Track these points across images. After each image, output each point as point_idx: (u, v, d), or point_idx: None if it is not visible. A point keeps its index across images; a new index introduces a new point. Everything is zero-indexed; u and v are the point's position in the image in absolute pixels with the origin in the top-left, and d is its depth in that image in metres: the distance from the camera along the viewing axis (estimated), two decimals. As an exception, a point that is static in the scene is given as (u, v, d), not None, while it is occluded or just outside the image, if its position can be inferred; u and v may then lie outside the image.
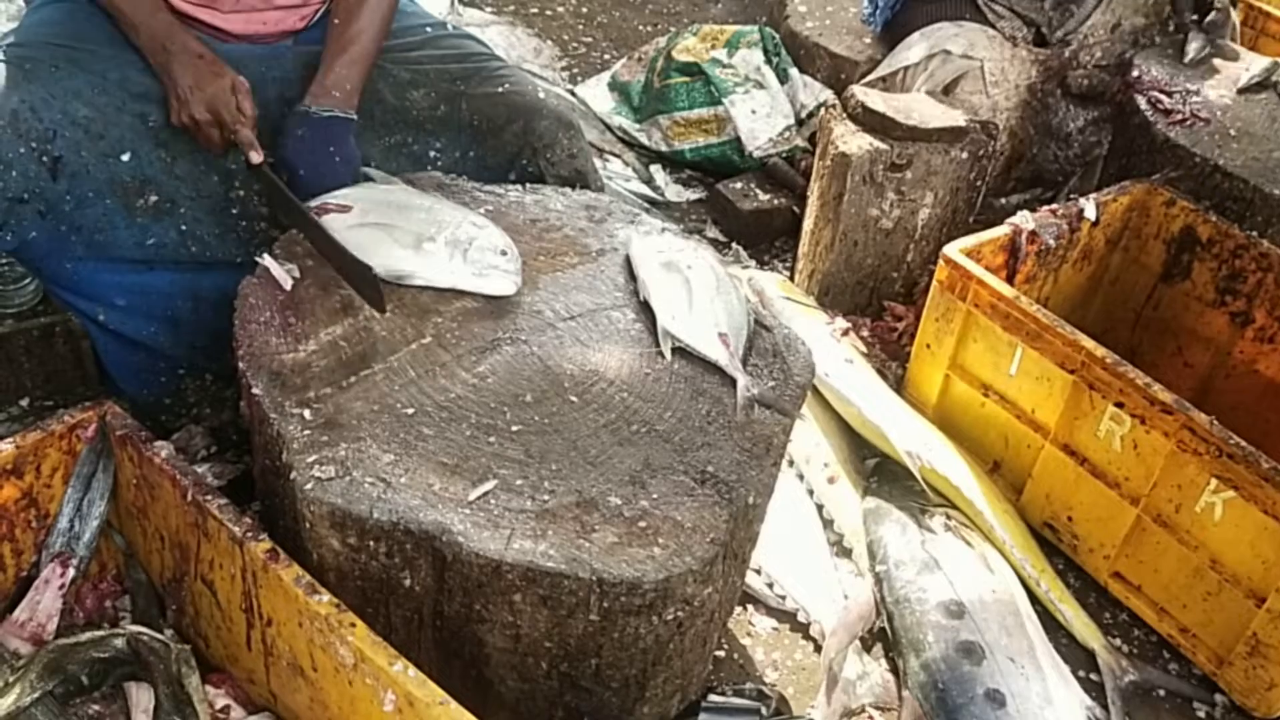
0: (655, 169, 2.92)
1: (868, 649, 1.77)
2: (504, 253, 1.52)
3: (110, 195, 1.63)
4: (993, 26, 2.53)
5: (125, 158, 1.63)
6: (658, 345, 1.49)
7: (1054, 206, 2.14)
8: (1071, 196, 2.21)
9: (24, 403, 1.92)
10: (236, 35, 1.73)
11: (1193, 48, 2.46)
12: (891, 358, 2.26)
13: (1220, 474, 1.66)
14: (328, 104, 1.65)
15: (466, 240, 1.51)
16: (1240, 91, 2.39)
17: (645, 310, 1.55)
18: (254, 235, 1.72)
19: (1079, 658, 1.78)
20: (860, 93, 2.29)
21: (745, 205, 2.70)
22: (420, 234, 1.52)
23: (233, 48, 1.70)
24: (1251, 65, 2.48)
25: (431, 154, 1.83)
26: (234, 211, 1.72)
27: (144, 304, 1.73)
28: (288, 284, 1.50)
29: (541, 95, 1.85)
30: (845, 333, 2.22)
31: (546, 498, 1.29)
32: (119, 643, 1.38)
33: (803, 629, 1.78)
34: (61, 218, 1.61)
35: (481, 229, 1.54)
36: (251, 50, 1.73)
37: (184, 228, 1.69)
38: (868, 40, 2.98)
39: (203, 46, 1.62)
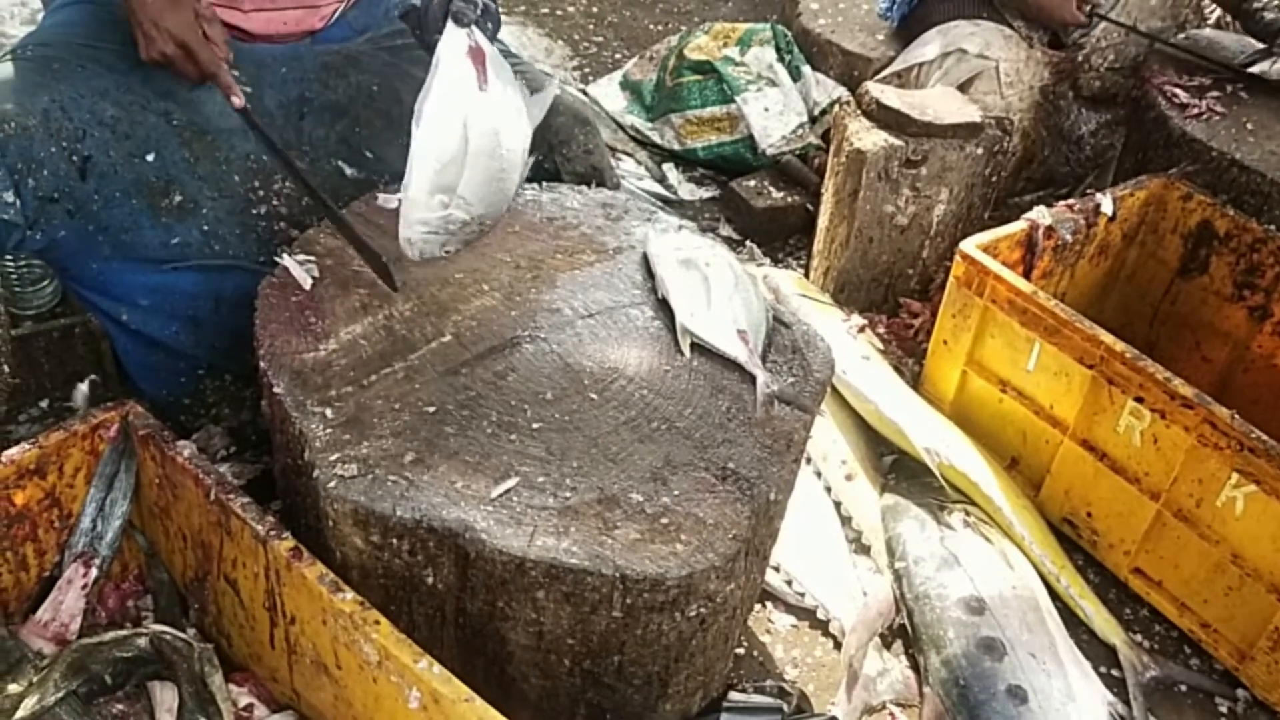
0: (668, 168, 2.92)
1: (888, 646, 1.76)
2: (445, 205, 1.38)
3: (137, 195, 1.64)
4: (1009, 26, 2.52)
5: (150, 158, 1.64)
6: (677, 342, 1.49)
7: (1071, 202, 2.13)
8: (1087, 194, 2.20)
9: (44, 404, 1.93)
10: (257, 35, 1.74)
11: (1276, 69, 2.42)
12: (908, 354, 2.25)
13: (1241, 468, 1.66)
14: None
15: (436, 210, 1.39)
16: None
17: (663, 308, 1.55)
18: (274, 236, 1.73)
19: (1100, 653, 1.78)
20: (875, 89, 2.28)
21: (759, 203, 2.70)
22: (453, 179, 1.38)
23: (253, 47, 1.71)
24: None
25: None
26: (255, 213, 1.73)
27: (167, 304, 1.74)
28: (307, 283, 1.50)
29: (557, 92, 1.85)
30: (861, 329, 2.22)
31: (568, 495, 1.29)
32: (142, 642, 1.39)
33: (822, 626, 1.77)
34: (90, 217, 1.62)
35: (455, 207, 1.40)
36: (271, 50, 1.74)
37: (207, 228, 1.70)
38: (880, 37, 2.98)
39: None
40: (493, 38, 1.49)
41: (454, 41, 1.43)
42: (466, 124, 1.39)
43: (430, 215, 1.39)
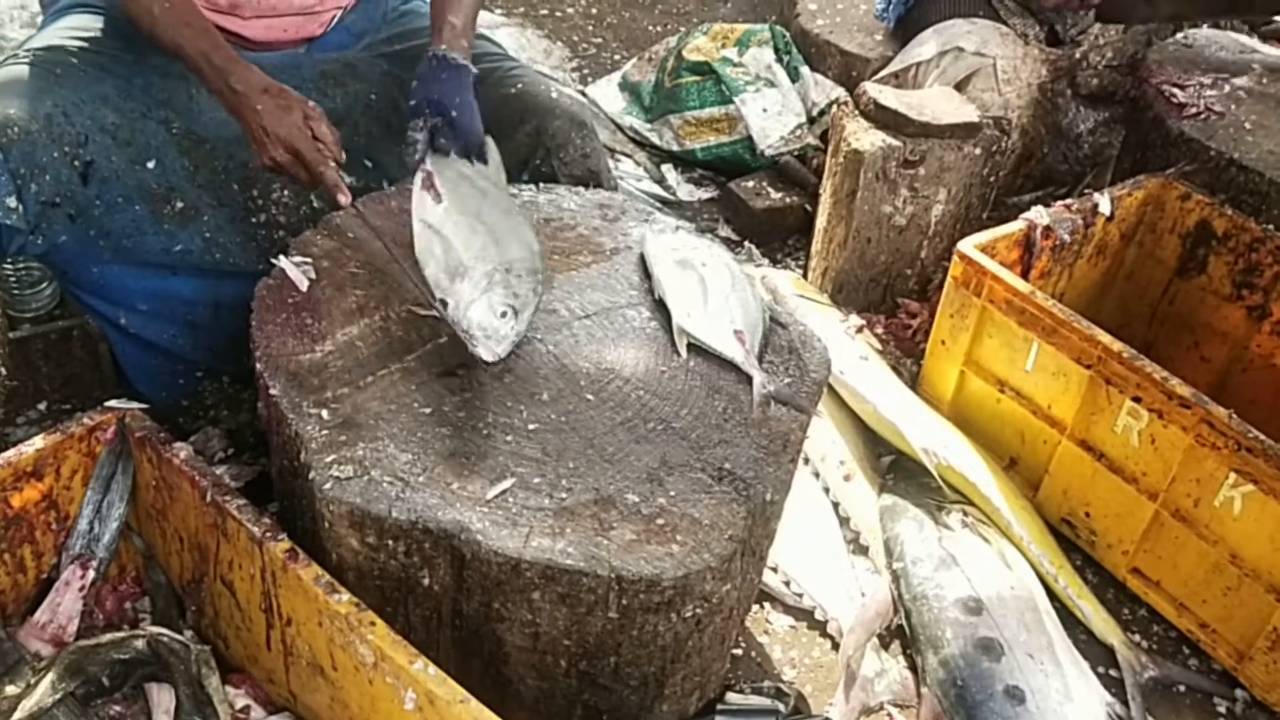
0: (667, 169, 2.92)
1: (885, 646, 1.76)
2: (504, 314, 1.42)
3: (139, 201, 1.64)
4: (1006, 24, 2.52)
5: (151, 165, 1.64)
6: (673, 343, 1.49)
7: (1069, 201, 2.13)
8: (1085, 194, 2.20)
9: (41, 406, 1.93)
10: (257, 42, 1.74)
11: None
12: (906, 355, 2.25)
13: (1239, 468, 1.65)
14: (459, 53, 1.60)
15: (482, 289, 1.43)
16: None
17: (660, 308, 1.55)
18: (274, 244, 1.73)
19: (1098, 654, 1.77)
20: (872, 89, 2.28)
21: (757, 204, 2.70)
22: (463, 265, 1.45)
23: (252, 55, 1.71)
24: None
25: None
26: (254, 220, 1.73)
27: (166, 308, 1.74)
28: (304, 285, 1.50)
29: (554, 95, 1.86)
30: (859, 330, 2.22)
31: (564, 495, 1.29)
32: (139, 644, 1.39)
33: (820, 627, 1.77)
34: (91, 222, 1.62)
35: (505, 279, 1.44)
36: (270, 57, 1.74)
37: (208, 235, 1.70)
38: (878, 37, 2.98)
39: (266, 78, 1.54)
40: (452, 146, 1.59)
41: (416, 176, 1.56)
42: (445, 239, 1.48)
43: (478, 296, 1.43)
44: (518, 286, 1.44)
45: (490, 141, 1.64)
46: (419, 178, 1.54)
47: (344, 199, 1.52)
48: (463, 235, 1.49)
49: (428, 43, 1.85)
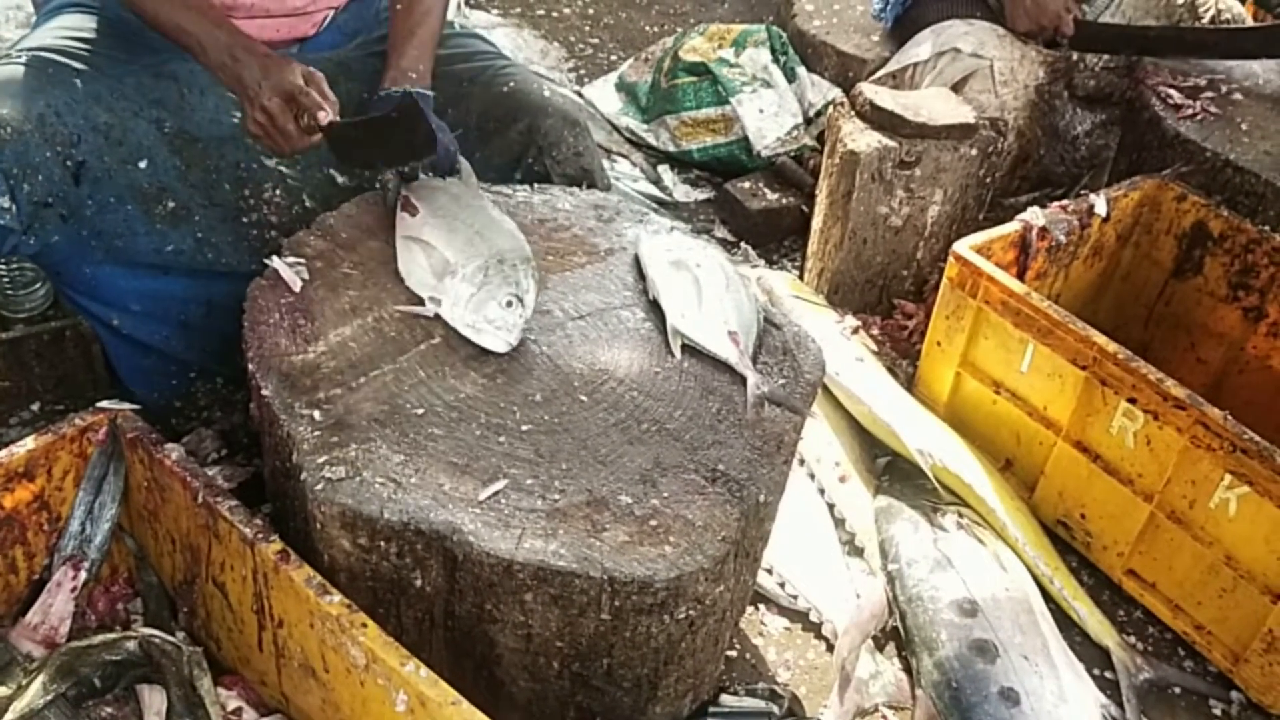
0: (663, 169, 2.92)
1: (880, 648, 1.76)
2: (509, 303, 1.43)
3: (131, 201, 1.64)
4: (1003, 25, 2.52)
5: (143, 164, 1.64)
6: (667, 344, 1.49)
7: (1065, 203, 2.13)
8: (1081, 195, 2.20)
9: (35, 407, 1.93)
10: None
11: None
12: (902, 356, 2.25)
13: (1234, 469, 1.65)
14: (404, 84, 1.64)
15: (479, 283, 1.45)
16: None
17: (654, 309, 1.54)
18: (266, 244, 1.72)
19: (1093, 656, 1.77)
20: (868, 90, 2.28)
21: (754, 204, 2.69)
22: (450, 262, 1.47)
23: None
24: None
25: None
26: (245, 220, 1.73)
27: (159, 309, 1.74)
28: (297, 285, 1.50)
29: (547, 94, 1.85)
30: (855, 331, 2.22)
31: (557, 497, 1.28)
32: (131, 645, 1.38)
33: (815, 628, 1.77)
34: (83, 223, 1.62)
35: (500, 270, 1.46)
36: None
37: (200, 235, 1.70)
38: (875, 38, 2.98)
39: (270, 50, 1.54)
40: (421, 171, 1.63)
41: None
42: (426, 246, 1.52)
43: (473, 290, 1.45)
44: (516, 275, 1.46)
45: (463, 162, 1.68)
46: (397, 205, 1.59)
47: (324, 116, 1.50)
48: (443, 235, 1.51)
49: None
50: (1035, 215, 2.06)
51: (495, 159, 1.82)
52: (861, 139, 2.22)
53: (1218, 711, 1.74)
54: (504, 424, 1.36)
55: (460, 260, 1.47)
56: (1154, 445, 1.75)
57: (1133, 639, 1.82)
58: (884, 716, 1.66)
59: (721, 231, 2.72)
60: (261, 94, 1.49)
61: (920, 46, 2.55)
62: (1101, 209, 2.12)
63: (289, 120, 1.51)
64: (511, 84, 1.83)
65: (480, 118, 1.82)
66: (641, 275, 1.60)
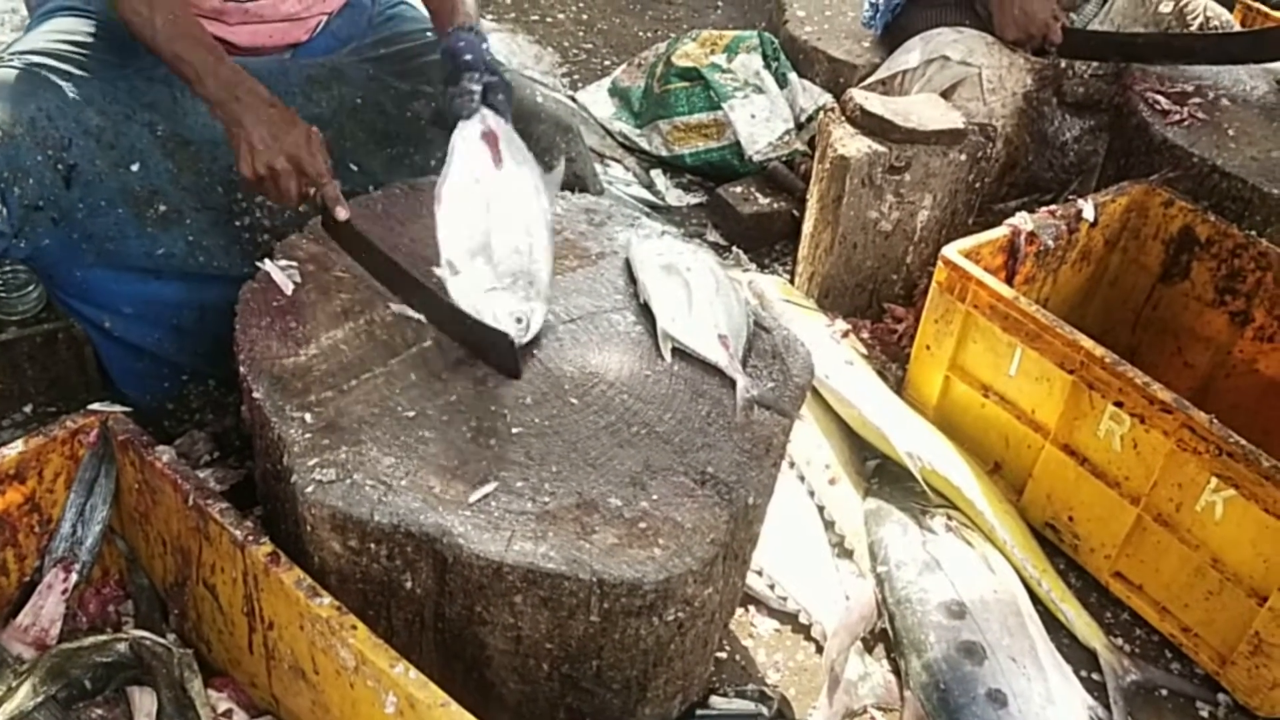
0: (656, 174, 2.93)
1: (869, 650, 1.77)
2: (518, 320, 1.44)
3: (122, 204, 1.64)
4: (992, 33, 2.54)
5: (135, 168, 1.64)
6: (658, 347, 1.50)
7: (1053, 208, 2.14)
8: (1069, 200, 2.21)
9: (27, 409, 1.93)
10: (242, 48, 1.74)
11: None
12: (892, 359, 2.26)
13: (1220, 473, 1.66)
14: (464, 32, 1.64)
15: (503, 285, 1.46)
16: None
17: (645, 313, 1.55)
18: (258, 248, 1.73)
19: (1081, 657, 1.78)
20: (859, 96, 2.29)
21: (745, 209, 2.71)
22: (488, 246, 1.47)
23: (238, 61, 1.71)
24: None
25: (433, 163, 1.84)
26: (238, 224, 1.73)
27: (151, 312, 1.74)
28: (289, 288, 1.50)
29: (539, 99, 1.86)
30: (845, 335, 2.23)
31: (547, 499, 1.29)
32: (121, 647, 1.39)
33: (804, 630, 1.78)
34: (74, 226, 1.62)
35: (527, 289, 1.47)
36: (256, 63, 1.74)
37: (191, 239, 1.70)
38: (866, 44, 2.99)
39: (272, 95, 1.54)
40: (506, 109, 1.60)
41: (467, 128, 1.57)
42: (488, 202, 1.51)
43: (500, 282, 1.46)
44: (532, 305, 1.46)
45: (562, 163, 1.70)
46: (477, 129, 1.56)
47: (344, 213, 1.53)
48: (503, 216, 1.50)
49: (409, 48, 1.87)
50: (1024, 220, 2.08)
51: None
52: (852, 144, 2.23)
53: (1204, 714, 1.75)
54: (494, 427, 1.36)
55: (499, 254, 1.47)
56: (1141, 448, 1.76)
57: (1120, 641, 1.83)
58: (873, 718, 1.67)
59: (713, 236, 2.73)
60: (268, 152, 1.49)
61: (909, 54, 2.56)
62: (1089, 214, 2.14)
63: (292, 182, 1.51)
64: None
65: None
66: (632, 279, 1.61)
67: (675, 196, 2.87)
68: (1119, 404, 1.77)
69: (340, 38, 1.87)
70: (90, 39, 1.67)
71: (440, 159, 1.84)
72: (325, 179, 1.52)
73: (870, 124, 2.25)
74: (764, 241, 2.72)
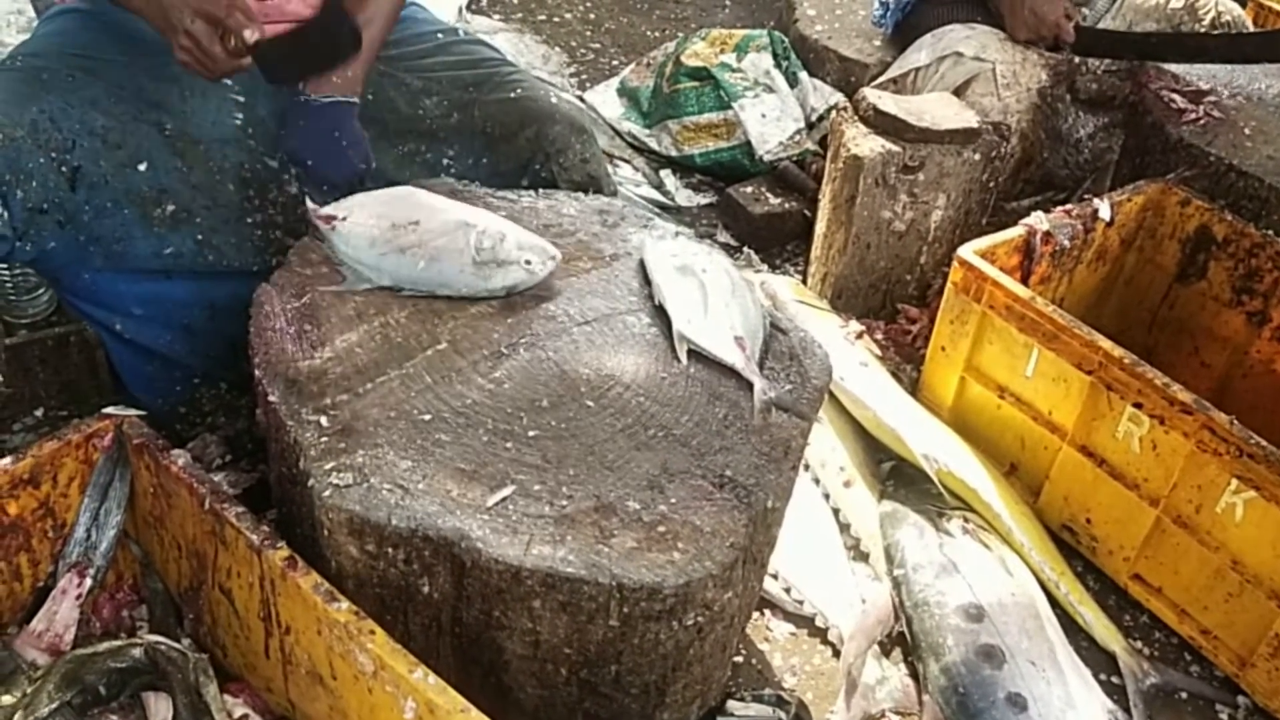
0: (665, 174, 2.91)
1: (887, 653, 1.75)
2: (527, 261, 1.51)
3: (128, 205, 1.63)
4: (1004, 29, 2.53)
5: (142, 168, 1.63)
6: (673, 349, 1.49)
7: (1068, 207, 2.13)
8: (1085, 199, 2.20)
9: (39, 412, 1.92)
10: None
11: None
12: (906, 361, 2.25)
13: (1241, 474, 1.65)
14: (327, 90, 1.64)
15: (493, 240, 1.51)
16: None
17: (660, 314, 1.54)
18: (269, 244, 1.72)
19: (1100, 661, 1.77)
20: (872, 95, 2.28)
21: (756, 209, 2.69)
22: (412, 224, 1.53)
23: None
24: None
25: (444, 161, 1.84)
26: (249, 220, 1.72)
27: (161, 313, 1.73)
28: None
29: (554, 100, 1.85)
30: (859, 336, 2.22)
31: (565, 503, 1.28)
32: (136, 652, 1.38)
33: (821, 634, 1.77)
34: (80, 228, 1.61)
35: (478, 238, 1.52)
36: None
37: (200, 237, 1.69)
38: (877, 43, 2.98)
39: None
40: (330, 184, 1.68)
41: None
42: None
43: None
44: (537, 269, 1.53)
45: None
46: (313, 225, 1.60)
47: (251, 35, 1.46)
48: (403, 212, 1.55)
49: (421, 48, 1.86)
50: (1039, 220, 2.06)
51: (502, 165, 1.82)
52: (865, 144, 2.22)
53: (1224, 716, 1.74)
54: (511, 429, 1.35)
55: (429, 225, 1.53)
56: (1160, 450, 1.75)
57: (1139, 644, 1.82)
58: (891, 722, 1.66)
59: (724, 236, 2.72)
60: (184, 18, 1.45)
61: (921, 52, 2.55)
62: (1105, 213, 2.12)
63: (214, 43, 1.46)
64: (519, 90, 1.83)
65: (487, 124, 1.82)
66: (647, 280, 1.60)
67: (685, 197, 2.86)
68: (1138, 405, 1.76)
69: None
70: (96, 40, 1.67)
71: (453, 156, 1.83)
72: (226, 10, 1.45)
73: (884, 123, 2.24)
74: (775, 242, 2.71)
